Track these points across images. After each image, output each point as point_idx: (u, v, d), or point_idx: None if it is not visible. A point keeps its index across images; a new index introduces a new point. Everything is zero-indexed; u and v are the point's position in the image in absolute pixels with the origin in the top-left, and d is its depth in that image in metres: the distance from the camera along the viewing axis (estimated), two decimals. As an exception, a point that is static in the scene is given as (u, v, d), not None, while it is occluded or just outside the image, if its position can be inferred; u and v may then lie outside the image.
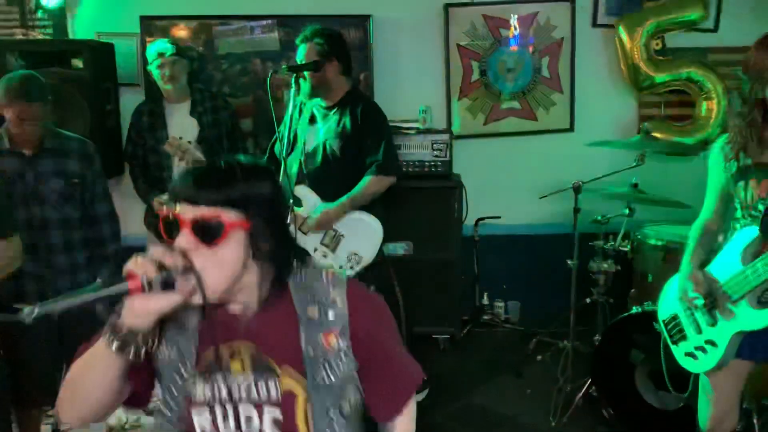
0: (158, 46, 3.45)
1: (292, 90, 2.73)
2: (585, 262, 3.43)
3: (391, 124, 3.72)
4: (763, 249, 1.86)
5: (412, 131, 3.86)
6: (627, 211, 3.30)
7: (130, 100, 3.80)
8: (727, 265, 1.97)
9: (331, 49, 2.92)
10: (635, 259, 3.34)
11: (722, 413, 2.13)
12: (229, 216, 1.24)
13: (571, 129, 4.17)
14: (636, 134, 3.86)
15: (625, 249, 3.33)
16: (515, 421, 3.12)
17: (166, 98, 3.53)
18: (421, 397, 3.34)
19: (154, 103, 3.57)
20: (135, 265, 1.17)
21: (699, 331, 2.05)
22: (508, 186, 4.18)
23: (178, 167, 3.35)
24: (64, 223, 2.56)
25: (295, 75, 2.74)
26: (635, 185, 3.24)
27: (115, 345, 1.20)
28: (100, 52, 3.68)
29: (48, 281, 2.55)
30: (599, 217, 3.40)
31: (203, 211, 1.23)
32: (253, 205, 1.26)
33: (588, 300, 3.52)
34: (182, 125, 3.48)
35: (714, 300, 1.97)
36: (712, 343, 2.00)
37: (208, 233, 1.23)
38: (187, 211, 1.24)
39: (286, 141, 2.71)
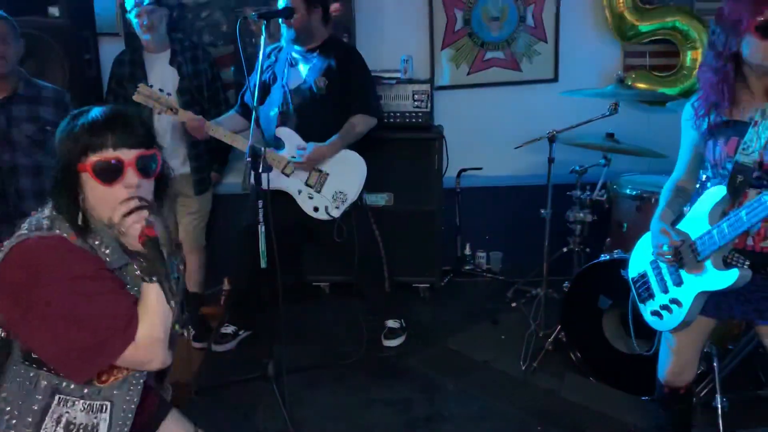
0: (135, -7, 3.41)
1: (263, 38, 2.72)
2: (563, 213, 3.47)
3: (374, 74, 3.74)
4: (730, 209, 1.84)
5: (393, 81, 3.84)
6: (603, 161, 3.32)
7: (110, 50, 3.77)
8: (694, 225, 1.94)
9: None
10: (611, 208, 3.37)
11: (682, 366, 2.17)
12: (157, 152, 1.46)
13: (555, 79, 4.14)
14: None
15: (602, 199, 3.36)
16: (487, 366, 3.20)
17: (146, 48, 3.51)
18: (398, 342, 3.43)
19: (133, 52, 3.55)
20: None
21: (665, 290, 2.05)
22: (491, 137, 4.17)
23: (158, 118, 3.37)
24: (35, 169, 2.60)
25: (265, 22, 2.73)
26: (611, 135, 3.25)
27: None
28: (78, 0, 3.64)
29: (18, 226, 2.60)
30: (576, 168, 3.43)
31: (141, 151, 1.40)
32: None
33: (565, 249, 3.57)
34: (162, 75, 3.46)
35: (681, 257, 1.95)
36: (677, 303, 2.00)
37: (150, 168, 1.43)
38: (127, 154, 1.39)
39: (256, 89, 2.71)
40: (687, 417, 2.32)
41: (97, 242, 1.43)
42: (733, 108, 1.88)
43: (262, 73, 3.12)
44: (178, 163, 3.51)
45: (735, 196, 1.85)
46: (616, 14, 3.88)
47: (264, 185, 2.66)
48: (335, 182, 3.17)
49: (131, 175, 1.38)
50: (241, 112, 3.29)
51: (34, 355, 1.38)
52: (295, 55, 3.20)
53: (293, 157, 3.12)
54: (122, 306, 1.38)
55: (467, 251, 4.40)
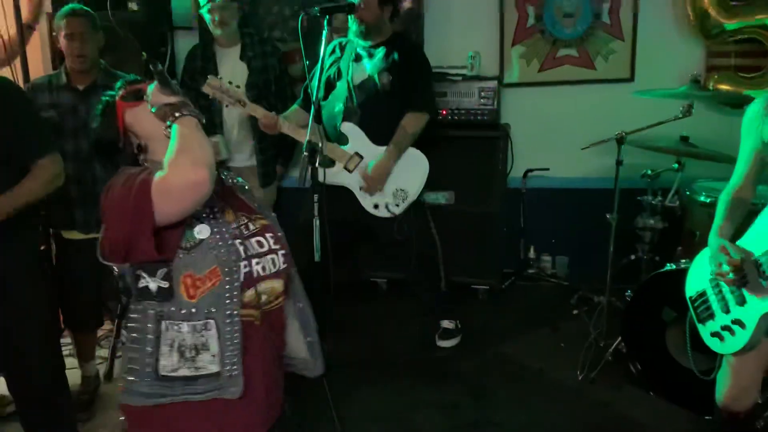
0: (208, -11, 3.51)
1: (324, 32, 2.73)
2: (634, 218, 3.32)
3: (439, 70, 3.71)
4: None
5: (459, 77, 3.78)
6: (676, 165, 3.14)
7: (184, 44, 3.91)
8: (759, 239, 1.82)
9: None
10: (684, 216, 3.19)
11: (740, 390, 2.04)
12: None
13: (631, 79, 3.95)
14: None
15: (674, 205, 3.19)
16: (542, 374, 3.10)
17: (217, 42, 3.61)
18: (452, 343, 3.38)
19: (205, 47, 3.66)
20: None
21: (727, 310, 1.93)
22: (561, 137, 4.03)
23: (227, 111, 3.46)
24: None
25: (328, 17, 2.74)
26: (685, 138, 3.07)
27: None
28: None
29: (92, 210, 2.73)
30: (648, 171, 3.27)
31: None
32: None
33: (633, 257, 3.42)
34: (233, 70, 3.55)
35: (745, 276, 1.82)
36: (740, 324, 1.87)
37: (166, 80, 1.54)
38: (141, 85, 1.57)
39: (318, 84, 2.73)
40: (749, 443, 2.17)
41: None
42: None
43: (325, 68, 3.16)
44: (245, 156, 3.59)
45: None
46: (700, 11, 3.66)
47: (320, 179, 2.67)
48: (396, 179, 3.15)
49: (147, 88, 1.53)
50: (305, 107, 3.32)
51: (140, 286, 1.47)
52: (360, 50, 3.21)
53: (352, 155, 3.13)
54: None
55: (531, 254, 4.28)
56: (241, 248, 1.53)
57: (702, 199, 3.02)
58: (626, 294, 3.08)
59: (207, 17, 3.51)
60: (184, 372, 1.47)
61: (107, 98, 1.58)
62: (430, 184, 3.29)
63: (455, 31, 4.04)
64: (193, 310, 1.48)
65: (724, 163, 3.00)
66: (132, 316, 1.51)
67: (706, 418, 2.56)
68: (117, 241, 1.42)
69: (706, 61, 3.85)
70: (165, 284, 1.46)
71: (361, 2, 3.02)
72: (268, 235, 1.59)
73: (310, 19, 2.77)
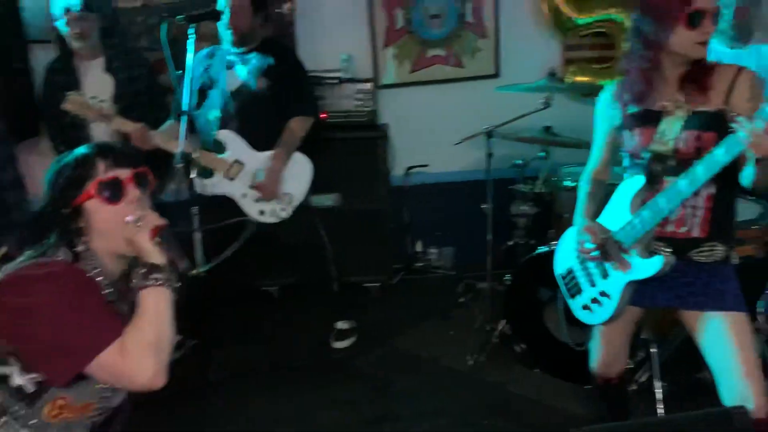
0: (64, 0, 3.33)
1: (191, 40, 2.68)
2: (509, 206, 3.50)
3: (314, 74, 3.73)
4: (649, 197, 1.86)
5: (335, 80, 3.82)
6: (543, 154, 3.35)
7: (43, 58, 3.68)
8: (616, 215, 1.96)
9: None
10: (553, 201, 3.41)
11: (612, 357, 2.20)
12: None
13: (497, 75, 4.16)
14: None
15: (543, 191, 3.40)
16: (436, 363, 3.21)
17: (78, 55, 3.43)
18: (348, 343, 3.42)
19: (66, 60, 3.47)
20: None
21: (593, 284, 2.06)
22: (437, 134, 4.16)
23: (93, 127, 3.31)
24: None
25: (195, 25, 2.69)
26: (548, 128, 3.28)
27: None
28: (3, 7, 3.54)
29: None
30: (518, 162, 3.46)
31: (138, 170, 1.53)
32: None
33: (510, 242, 3.61)
34: (97, 83, 3.39)
35: (607, 251, 1.96)
36: (606, 295, 2.02)
37: (146, 182, 1.55)
38: (123, 173, 1.49)
39: (189, 93, 2.67)
40: (623, 405, 2.36)
41: (93, 270, 1.48)
42: (650, 98, 1.90)
43: (196, 77, 3.10)
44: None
45: (653, 185, 1.88)
46: (553, 7, 3.92)
47: (199, 190, 2.62)
48: (282, 183, 3.15)
49: (132, 190, 1.49)
50: (176, 118, 3.23)
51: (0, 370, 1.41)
52: (231, 57, 3.17)
53: (234, 162, 3.09)
54: (112, 319, 1.41)
55: (419, 248, 4.41)
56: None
57: (567, 183, 3.24)
58: (505, 278, 3.25)
59: (64, 30, 3.33)
60: None
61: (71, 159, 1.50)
62: (316, 187, 3.31)
63: (327, 34, 4.07)
64: (42, 427, 1.45)
65: (585, 149, 3.23)
66: None
67: (586, 387, 2.75)
68: (40, 343, 1.34)
69: (563, 55, 4.13)
70: (30, 389, 1.41)
71: (233, 8, 3.00)
72: None
73: (175, 28, 2.71)
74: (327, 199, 3.84)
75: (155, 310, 1.41)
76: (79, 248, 1.47)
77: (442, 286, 4.09)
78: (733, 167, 1.73)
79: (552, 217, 3.45)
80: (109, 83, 3.41)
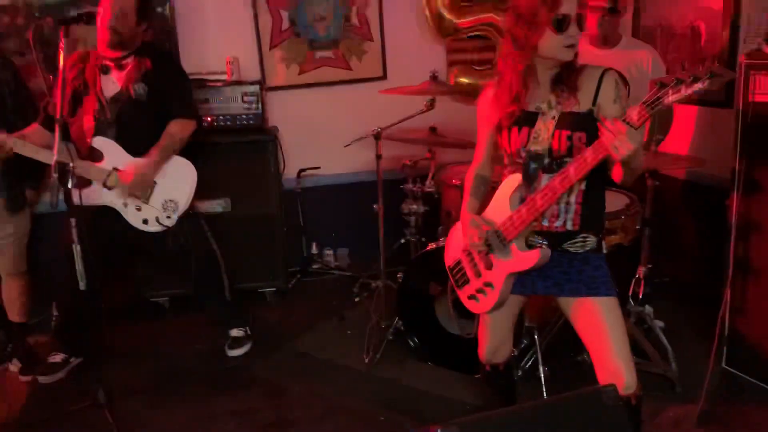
0: None
1: (62, 44, 2.54)
2: (399, 205, 3.58)
3: (197, 77, 3.65)
4: (527, 193, 1.95)
5: (220, 83, 3.76)
6: (429, 154, 3.46)
7: None
8: (498, 211, 2.05)
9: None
10: (441, 198, 3.52)
11: (498, 343, 2.31)
12: None
13: (384, 77, 4.25)
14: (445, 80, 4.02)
15: (431, 190, 3.51)
16: (333, 363, 3.22)
17: (-67, 58, 3.17)
18: (243, 351, 3.37)
19: None
20: None
21: (478, 275, 2.15)
22: (327, 136, 4.19)
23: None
24: None
25: (66, 28, 2.56)
26: (434, 129, 3.39)
27: None
28: None
29: None
30: (407, 162, 3.54)
31: None
32: None
33: (402, 240, 3.69)
34: (-43, 86, 3.15)
35: (490, 244, 2.06)
36: (490, 285, 2.11)
37: None
38: None
39: (61, 99, 2.53)
40: (511, 390, 2.48)
41: None
42: (525, 98, 1.98)
43: (68, 82, 2.95)
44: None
45: (530, 182, 1.98)
46: (435, 13, 4.04)
47: (76, 201, 2.49)
48: (163, 191, 3.05)
49: None
50: (46, 125, 3.05)
51: None
52: (107, 62, 3.03)
53: (113, 169, 2.97)
54: None
55: (314, 250, 4.41)
56: None
57: (453, 182, 3.35)
58: (397, 275, 3.32)
59: None
60: None
61: None
62: (205, 193, 3.24)
63: (211, 37, 4.00)
64: None
65: (470, 148, 3.36)
66: None
67: (476, 376, 2.87)
68: None
69: (447, 57, 4.27)
70: None
71: (116, 12, 2.90)
72: None
73: (47, 30, 2.57)
74: (217, 206, 3.76)
75: None
76: None
77: (339, 287, 4.12)
78: (603, 164, 1.86)
79: (440, 215, 3.56)
80: (-30, 87, 3.17)
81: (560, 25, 1.86)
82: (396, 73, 4.22)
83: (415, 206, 3.55)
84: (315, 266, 4.36)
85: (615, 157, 1.73)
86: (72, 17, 2.65)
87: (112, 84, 3.02)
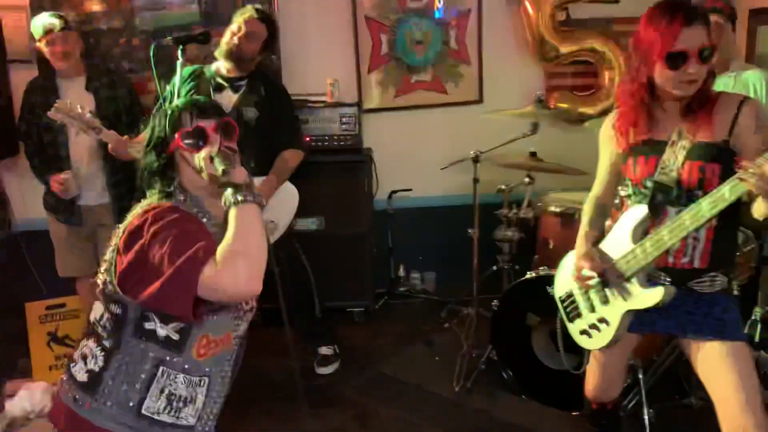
0: (44, 21, 3.27)
1: (179, 62, 2.65)
2: (493, 231, 3.51)
3: (299, 98, 3.72)
4: (652, 227, 1.86)
5: (320, 104, 3.82)
6: (527, 179, 3.37)
7: (23, 77, 3.61)
8: (618, 244, 1.95)
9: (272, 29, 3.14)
10: (537, 226, 3.42)
11: (608, 382, 2.19)
12: None
13: (480, 101, 4.20)
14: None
15: (528, 217, 3.41)
16: (421, 389, 3.17)
17: (60, 74, 3.37)
18: (331, 369, 3.37)
19: (46, 78, 3.40)
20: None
21: (592, 309, 2.06)
22: (420, 159, 4.19)
23: (75, 142, 3.24)
24: None
25: (182, 46, 2.66)
26: (534, 154, 3.31)
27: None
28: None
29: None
30: (503, 186, 3.47)
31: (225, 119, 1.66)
32: None
33: (495, 268, 3.61)
34: (78, 101, 3.30)
35: (607, 279, 1.96)
36: (605, 321, 2.01)
37: (232, 132, 1.67)
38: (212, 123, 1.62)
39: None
40: (616, 431, 2.35)
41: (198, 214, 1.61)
42: (652, 127, 1.90)
43: (181, 98, 3.06)
44: (96, 194, 3.36)
45: (655, 215, 1.88)
46: (538, 37, 3.98)
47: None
48: (268, 212, 3.09)
49: (213, 137, 1.59)
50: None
51: (146, 327, 1.53)
52: (220, 80, 3.12)
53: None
54: (208, 240, 1.45)
55: (401, 273, 4.38)
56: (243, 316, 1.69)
57: (552, 209, 3.26)
58: (492, 303, 3.23)
59: (46, 49, 3.27)
60: (164, 417, 1.57)
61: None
62: (300, 210, 3.28)
63: (312, 58, 4.08)
64: (195, 367, 1.59)
65: (569, 174, 3.27)
66: (129, 350, 1.54)
67: (574, 413, 2.74)
68: (153, 287, 1.41)
69: (546, 82, 4.19)
70: (176, 337, 1.53)
71: (247, 33, 3.00)
72: None
73: (161, 49, 2.68)
74: (311, 223, 3.81)
75: (241, 222, 1.44)
76: (181, 196, 1.60)
77: (425, 311, 4.07)
78: (738, 199, 1.73)
79: (536, 243, 3.46)
80: (89, 101, 3.34)
81: (674, 62, 1.76)
82: (492, 97, 4.17)
83: (509, 233, 3.46)
84: (402, 289, 4.33)
85: (759, 194, 1.61)
86: (189, 36, 2.76)
87: (225, 103, 3.10)
